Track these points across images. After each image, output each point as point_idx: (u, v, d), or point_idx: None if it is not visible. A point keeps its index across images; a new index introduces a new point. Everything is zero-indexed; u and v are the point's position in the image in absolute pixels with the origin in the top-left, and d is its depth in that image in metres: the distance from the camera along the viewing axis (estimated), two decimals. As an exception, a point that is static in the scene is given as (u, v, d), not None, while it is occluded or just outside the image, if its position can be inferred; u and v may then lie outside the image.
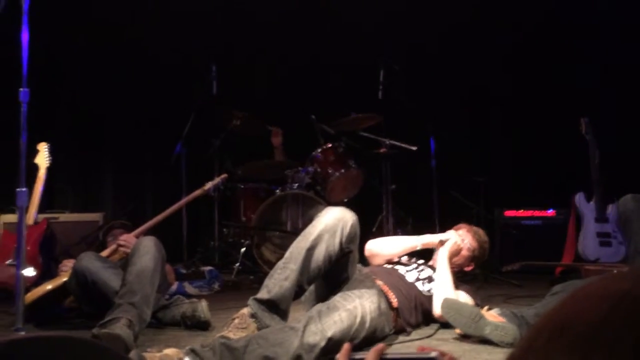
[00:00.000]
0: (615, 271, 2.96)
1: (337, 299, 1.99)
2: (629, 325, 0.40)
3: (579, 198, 3.96)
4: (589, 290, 0.45)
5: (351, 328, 1.91)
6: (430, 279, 2.44)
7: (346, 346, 0.69)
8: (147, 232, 2.77)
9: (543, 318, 0.46)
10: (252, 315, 1.96)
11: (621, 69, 4.53)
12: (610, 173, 3.87)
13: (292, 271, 2.00)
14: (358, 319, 1.95)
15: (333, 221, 2.06)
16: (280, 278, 2.00)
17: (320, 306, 1.95)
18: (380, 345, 0.68)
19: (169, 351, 1.66)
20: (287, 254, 2.06)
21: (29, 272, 2.95)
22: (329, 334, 1.83)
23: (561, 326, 0.43)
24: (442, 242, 2.55)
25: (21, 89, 2.03)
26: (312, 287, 2.22)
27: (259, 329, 1.93)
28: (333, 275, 2.15)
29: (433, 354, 0.66)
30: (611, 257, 3.77)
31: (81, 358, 0.91)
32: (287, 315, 2.03)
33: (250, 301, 2.00)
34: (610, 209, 3.90)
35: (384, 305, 2.11)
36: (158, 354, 1.65)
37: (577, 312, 0.43)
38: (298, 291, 2.04)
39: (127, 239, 2.67)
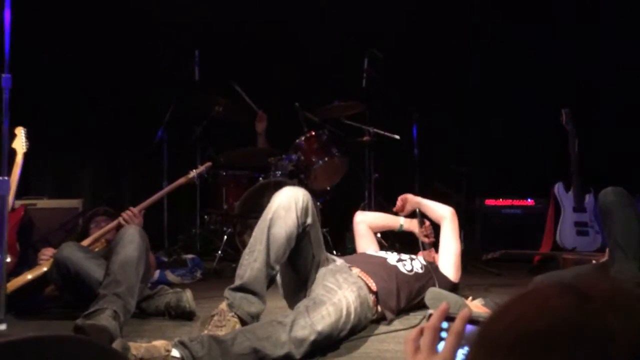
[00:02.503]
0: (593, 261, 3.03)
1: (320, 292, 2.01)
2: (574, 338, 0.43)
3: (558, 188, 4.03)
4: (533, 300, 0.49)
5: (339, 321, 1.94)
6: (411, 258, 2.54)
7: (444, 305, 0.71)
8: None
9: (479, 329, 0.50)
10: (230, 306, 1.96)
11: (603, 59, 4.59)
12: (588, 163, 3.95)
13: (260, 252, 2.03)
14: (344, 312, 1.97)
15: (286, 198, 2.10)
16: (249, 261, 2.04)
17: (306, 301, 1.96)
18: (467, 311, 0.70)
19: (157, 343, 1.65)
20: (251, 240, 2.10)
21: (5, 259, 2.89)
22: (319, 327, 1.84)
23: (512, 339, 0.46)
24: (422, 216, 2.72)
25: (3, 75, 1.97)
26: (285, 280, 2.23)
27: (239, 318, 1.94)
28: (299, 257, 2.17)
29: None
30: (588, 246, 3.86)
31: (72, 357, 0.89)
32: (264, 298, 2.04)
33: (226, 292, 2.02)
34: (588, 199, 3.98)
35: (363, 292, 2.14)
36: (145, 345, 1.63)
37: (522, 322, 0.47)
38: (270, 272, 2.06)
39: (131, 213, 2.67)
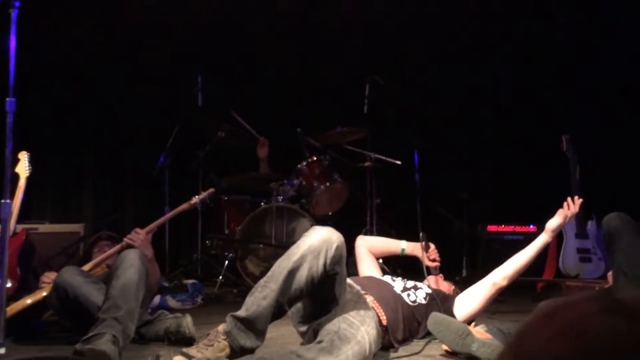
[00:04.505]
0: (597, 288, 3.00)
1: (343, 325, 1.95)
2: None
3: (560, 214, 4.01)
4: (552, 322, 0.47)
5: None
6: (415, 287, 2.47)
7: None
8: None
9: (506, 348, 0.48)
10: (227, 333, 1.91)
11: (602, 87, 4.63)
12: (590, 189, 3.94)
13: (272, 290, 1.93)
14: (367, 350, 1.94)
15: (317, 242, 1.96)
16: (259, 297, 1.94)
17: (330, 335, 1.90)
18: None
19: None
20: (269, 273, 1.99)
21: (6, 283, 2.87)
22: None
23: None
24: (426, 240, 2.70)
25: (8, 99, 1.99)
26: (299, 305, 2.16)
27: (231, 347, 1.89)
28: (319, 294, 2.08)
29: None
30: (591, 273, 3.83)
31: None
32: (264, 335, 1.97)
33: (228, 317, 1.95)
34: (590, 225, 3.97)
35: (377, 326, 2.10)
36: None
37: (542, 346, 0.46)
38: (278, 312, 1.97)
39: (137, 234, 2.61)
